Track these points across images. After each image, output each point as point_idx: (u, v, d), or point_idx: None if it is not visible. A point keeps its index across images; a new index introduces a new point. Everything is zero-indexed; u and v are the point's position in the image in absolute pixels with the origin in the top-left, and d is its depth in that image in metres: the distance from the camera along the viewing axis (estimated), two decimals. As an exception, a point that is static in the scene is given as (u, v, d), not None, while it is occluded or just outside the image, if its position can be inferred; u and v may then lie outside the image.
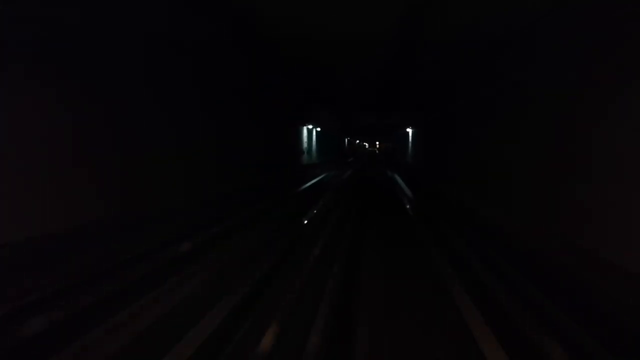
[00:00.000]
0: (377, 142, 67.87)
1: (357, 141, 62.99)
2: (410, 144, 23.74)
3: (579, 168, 4.33)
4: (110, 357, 2.53)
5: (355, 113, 18.39)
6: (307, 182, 13.73)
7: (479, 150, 8.25)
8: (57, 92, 4.44)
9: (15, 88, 3.93)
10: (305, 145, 20.45)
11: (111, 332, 2.83)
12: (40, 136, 4.22)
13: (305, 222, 6.80)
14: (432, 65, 7.49)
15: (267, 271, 4.18)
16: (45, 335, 2.79)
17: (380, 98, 11.69)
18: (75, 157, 4.71)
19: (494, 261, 4.70)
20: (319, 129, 25.72)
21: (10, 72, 3.86)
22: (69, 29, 4.41)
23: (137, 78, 5.87)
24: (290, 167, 16.74)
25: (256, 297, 3.54)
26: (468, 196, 8.93)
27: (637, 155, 3.40)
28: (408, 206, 8.96)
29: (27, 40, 4.00)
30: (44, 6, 3.85)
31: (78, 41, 4.64)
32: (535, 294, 3.64)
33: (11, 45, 3.82)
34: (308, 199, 9.63)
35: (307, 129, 21.57)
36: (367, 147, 74.57)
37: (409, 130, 23.69)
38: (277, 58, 7.08)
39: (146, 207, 6.11)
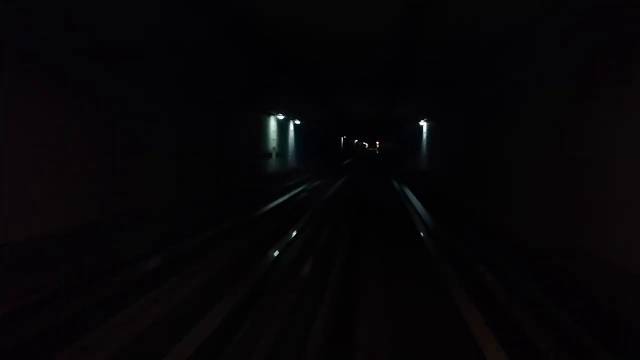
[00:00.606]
0: (377, 142, 67.51)
1: (356, 141, 62.66)
2: (424, 142, 16.87)
3: (579, 168, 4.33)
4: (111, 357, 2.53)
5: (354, 112, 18.01)
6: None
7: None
8: (57, 93, 4.44)
9: (15, 88, 3.92)
10: (273, 144, 14.05)
11: (111, 332, 2.83)
12: (40, 136, 4.21)
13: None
14: (432, 65, 7.48)
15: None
16: (45, 334, 2.79)
17: (380, 93, 11.57)
18: (75, 157, 4.71)
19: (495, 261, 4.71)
20: (297, 122, 17.91)
21: (10, 72, 3.86)
22: (69, 29, 4.41)
23: (137, 78, 5.87)
24: (237, 176, 10.25)
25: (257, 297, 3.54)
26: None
27: (637, 155, 3.40)
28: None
29: (27, 40, 3.99)
30: (44, 6, 3.85)
31: (78, 41, 4.64)
32: (535, 294, 3.64)
33: (11, 45, 3.82)
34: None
35: (277, 119, 14.40)
36: (366, 147, 74.27)
37: (423, 123, 16.72)
38: (275, 54, 7.09)
39: (146, 207, 6.11)
